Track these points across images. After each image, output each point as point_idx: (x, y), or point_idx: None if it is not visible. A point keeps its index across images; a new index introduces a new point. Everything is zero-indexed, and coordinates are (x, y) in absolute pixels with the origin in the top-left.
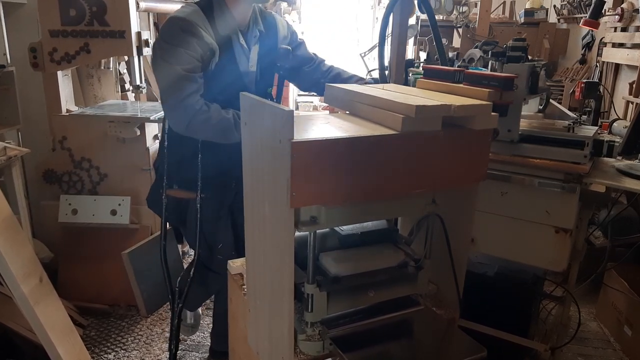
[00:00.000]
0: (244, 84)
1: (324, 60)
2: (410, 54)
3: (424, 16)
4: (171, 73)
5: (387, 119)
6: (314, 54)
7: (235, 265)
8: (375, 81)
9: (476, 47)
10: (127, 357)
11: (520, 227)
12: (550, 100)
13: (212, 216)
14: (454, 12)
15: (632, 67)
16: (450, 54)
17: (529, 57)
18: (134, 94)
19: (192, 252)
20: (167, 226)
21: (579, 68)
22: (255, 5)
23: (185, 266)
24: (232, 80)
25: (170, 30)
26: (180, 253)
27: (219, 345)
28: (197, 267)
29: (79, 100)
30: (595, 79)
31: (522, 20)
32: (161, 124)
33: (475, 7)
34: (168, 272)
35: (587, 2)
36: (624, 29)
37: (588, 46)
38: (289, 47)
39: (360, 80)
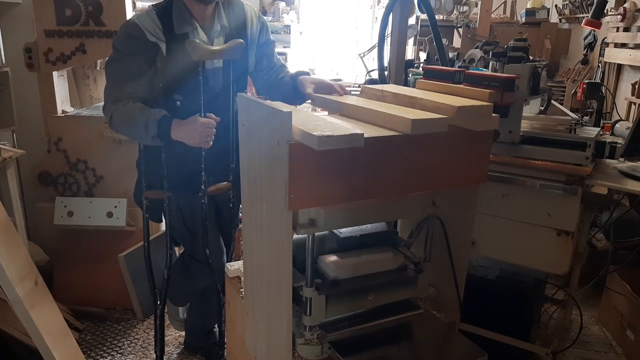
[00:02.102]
0: (205, 80)
1: (286, 69)
2: (410, 54)
3: (424, 16)
4: (110, 75)
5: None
6: (278, 59)
7: (233, 268)
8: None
9: (477, 48)
10: None
11: (522, 230)
12: (552, 101)
13: (192, 211)
14: (454, 11)
15: (634, 68)
16: (451, 54)
17: (530, 58)
18: None
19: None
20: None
21: (581, 68)
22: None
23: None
24: (189, 76)
25: (118, 35)
26: (177, 255)
27: (194, 340)
28: (181, 261)
29: (74, 101)
30: (598, 80)
31: (523, 20)
32: None
33: (476, 6)
34: (152, 273)
35: (589, 2)
36: (626, 29)
37: (590, 46)
38: (241, 41)
39: (285, 74)
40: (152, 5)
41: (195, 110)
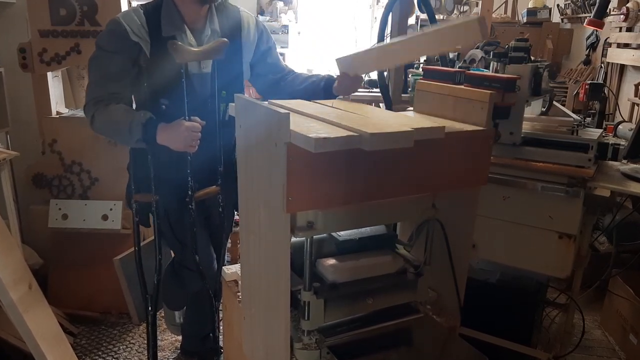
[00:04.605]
0: (191, 85)
1: (293, 71)
2: None
3: (424, 16)
4: (92, 74)
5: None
6: (285, 65)
7: (230, 271)
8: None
9: (477, 48)
10: None
11: (523, 233)
12: (554, 102)
13: (179, 217)
14: (455, 11)
15: (637, 68)
16: (451, 55)
17: (532, 58)
18: None
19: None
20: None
21: (583, 69)
22: (212, 3)
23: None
24: (174, 79)
25: (102, 33)
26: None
27: (190, 345)
28: (171, 267)
29: (69, 102)
30: (600, 80)
31: (525, 20)
32: None
33: (477, 6)
34: (143, 278)
35: (591, 2)
36: (629, 29)
37: (592, 46)
38: (224, 40)
39: (313, 78)
40: (140, 4)
41: (181, 113)
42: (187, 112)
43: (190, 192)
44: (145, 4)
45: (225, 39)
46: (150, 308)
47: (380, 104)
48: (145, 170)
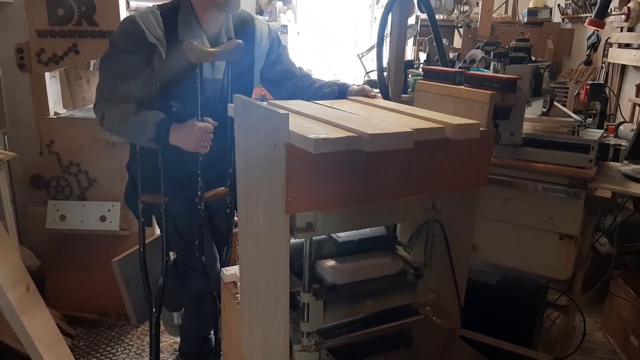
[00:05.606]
0: (204, 91)
1: (307, 75)
2: (409, 54)
3: (424, 15)
4: (104, 72)
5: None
6: (300, 68)
7: (229, 273)
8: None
9: (478, 48)
10: None
11: (523, 234)
12: (554, 102)
13: (184, 218)
14: (455, 11)
15: (638, 69)
16: (451, 55)
17: (532, 58)
18: None
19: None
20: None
21: (584, 69)
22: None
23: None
24: (186, 83)
25: (117, 32)
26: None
27: (189, 347)
28: (174, 268)
29: (67, 102)
30: (601, 81)
31: (525, 20)
32: None
33: (477, 6)
34: (147, 279)
35: (592, 2)
36: (630, 29)
37: (593, 47)
38: (240, 42)
39: (333, 85)
40: (157, 5)
41: (190, 116)
42: (199, 112)
43: (199, 193)
44: (161, 5)
45: (240, 41)
46: (154, 310)
47: None
48: (153, 170)
